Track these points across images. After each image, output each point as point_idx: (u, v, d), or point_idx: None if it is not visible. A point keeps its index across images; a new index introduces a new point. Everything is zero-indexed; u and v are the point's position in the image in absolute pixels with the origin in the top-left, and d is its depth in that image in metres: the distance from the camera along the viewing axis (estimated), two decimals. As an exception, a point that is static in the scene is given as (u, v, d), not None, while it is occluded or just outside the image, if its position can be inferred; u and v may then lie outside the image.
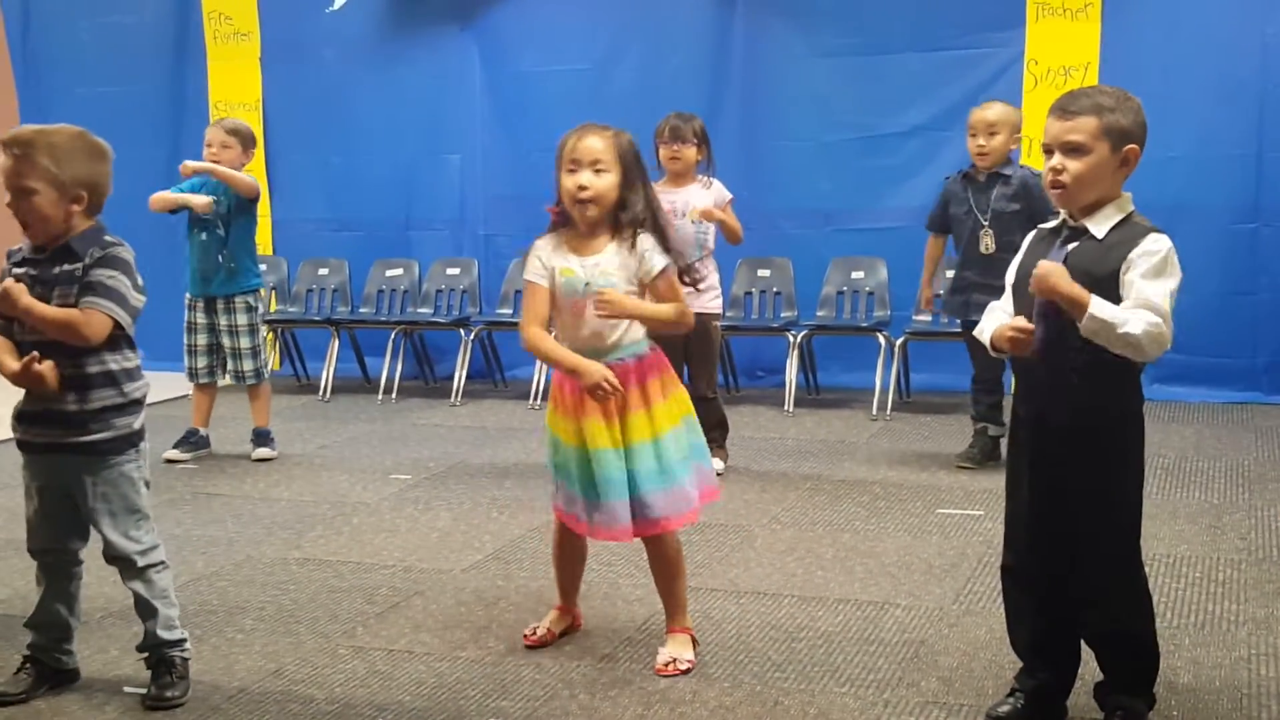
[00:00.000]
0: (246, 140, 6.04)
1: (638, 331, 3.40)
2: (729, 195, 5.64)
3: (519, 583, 4.19)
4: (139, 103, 8.57)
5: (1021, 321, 2.82)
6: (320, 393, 7.71)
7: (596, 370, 3.26)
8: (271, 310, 8.16)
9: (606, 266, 3.35)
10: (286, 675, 3.45)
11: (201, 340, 6.00)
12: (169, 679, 3.27)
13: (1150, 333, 2.69)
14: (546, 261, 3.41)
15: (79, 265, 3.14)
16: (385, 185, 8.30)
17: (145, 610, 3.28)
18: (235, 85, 8.49)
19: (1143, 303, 2.72)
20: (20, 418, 3.25)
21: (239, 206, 5.96)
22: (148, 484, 3.32)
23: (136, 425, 3.26)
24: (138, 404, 3.26)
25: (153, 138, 8.56)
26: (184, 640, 3.33)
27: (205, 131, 6.05)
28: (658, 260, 3.35)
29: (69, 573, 3.35)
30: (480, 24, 8.04)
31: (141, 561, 3.26)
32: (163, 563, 3.31)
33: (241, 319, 5.98)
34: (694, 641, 3.49)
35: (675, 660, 3.40)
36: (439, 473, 5.78)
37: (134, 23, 8.63)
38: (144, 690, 3.29)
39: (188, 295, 6.03)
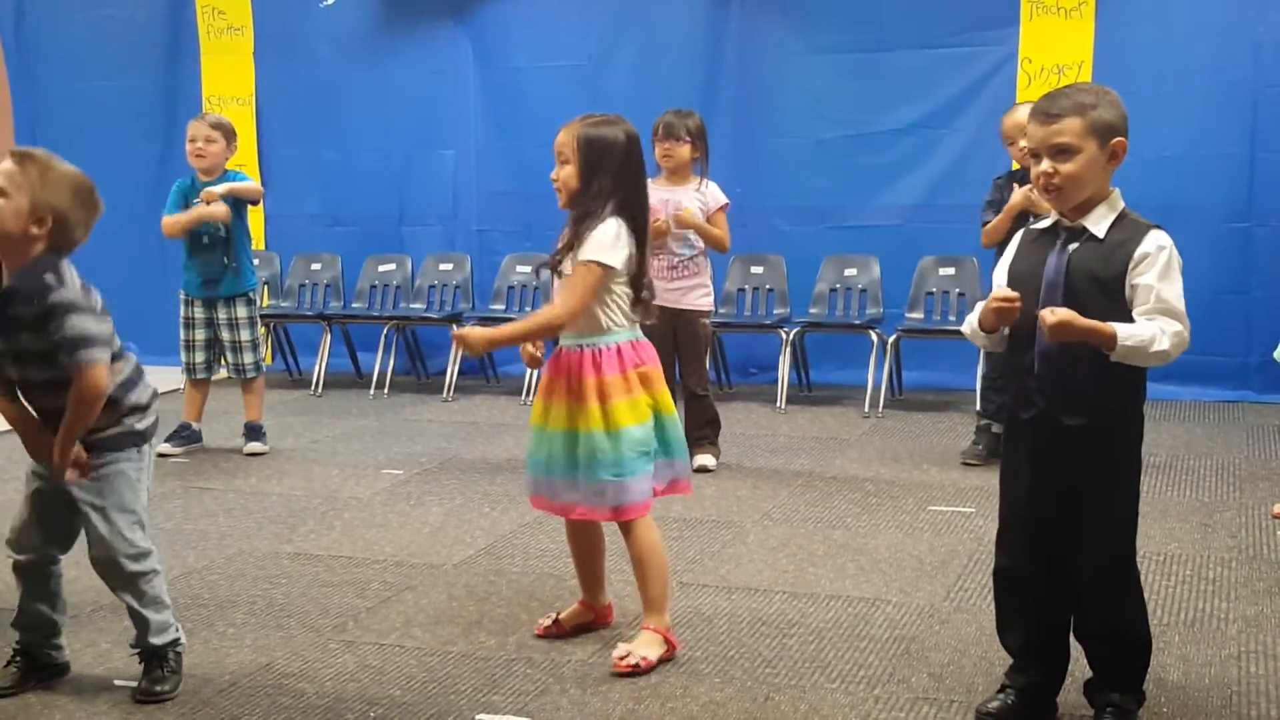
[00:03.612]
0: (230, 134, 6.01)
1: (594, 323, 3.38)
2: (723, 200, 5.57)
3: (510, 578, 4.19)
4: (132, 97, 8.56)
5: (1004, 290, 2.81)
6: (312, 388, 7.70)
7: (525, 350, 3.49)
8: (264, 305, 8.14)
9: (568, 249, 3.41)
10: (277, 669, 3.44)
11: (200, 335, 5.99)
12: (160, 673, 3.26)
13: (1176, 343, 2.73)
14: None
15: (29, 313, 3.06)
16: (378, 181, 8.29)
17: (137, 620, 3.26)
18: (229, 80, 8.48)
19: (1163, 309, 2.73)
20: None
21: (236, 208, 5.96)
22: (148, 490, 3.29)
23: (139, 426, 3.24)
24: (139, 408, 3.24)
25: (146, 132, 8.56)
26: (177, 640, 3.31)
27: (188, 126, 6.01)
28: (584, 252, 3.34)
29: (44, 572, 3.31)
30: (474, 19, 8.04)
31: (130, 566, 3.20)
32: (154, 570, 3.26)
33: (241, 312, 5.99)
34: (668, 644, 3.44)
35: (629, 655, 3.36)
36: (431, 468, 5.78)
37: (127, 17, 8.60)
38: (135, 683, 3.28)
39: (183, 293, 6.02)
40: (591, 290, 3.33)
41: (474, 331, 3.37)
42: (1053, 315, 2.71)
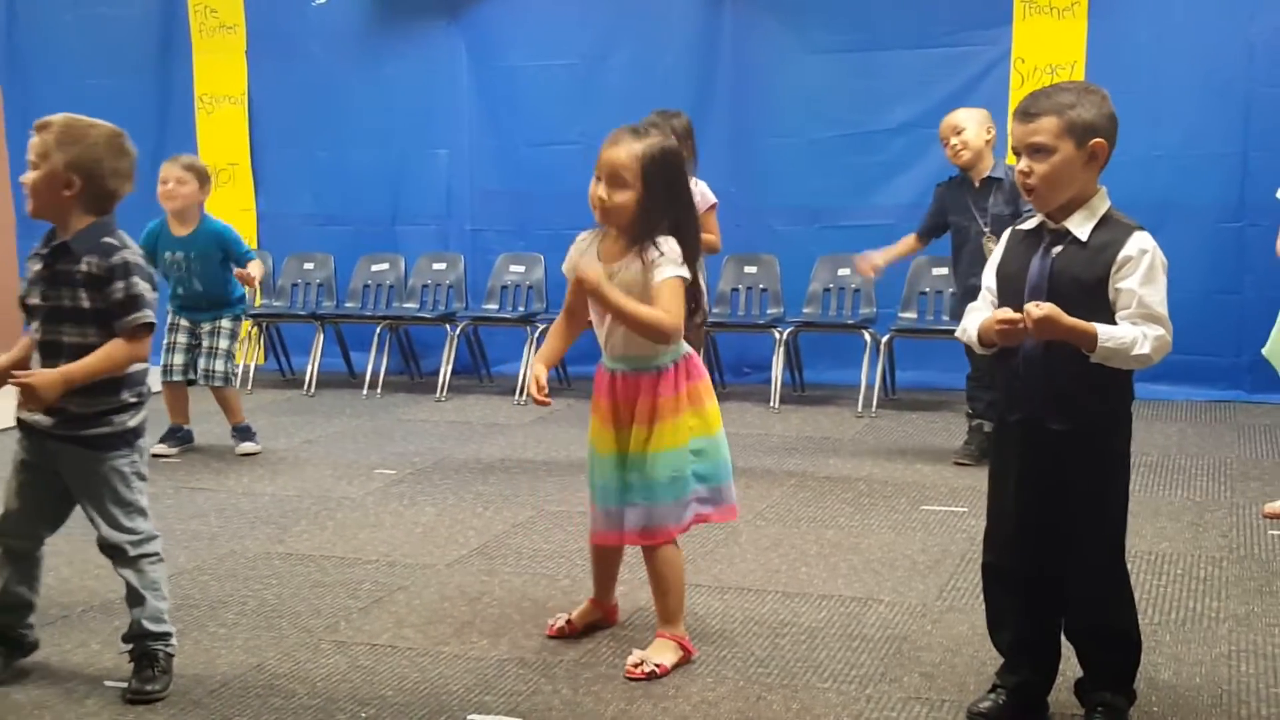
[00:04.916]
0: (202, 176, 5.92)
1: (654, 347, 3.32)
2: (711, 200, 5.47)
3: (503, 578, 4.19)
4: (124, 96, 8.52)
5: (1007, 312, 2.80)
6: (305, 387, 7.69)
7: (532, 373, 3.36)
8: (257, 304, 8.14)
9: (629, 279, 3.29)
10: (268, 669, 3.44)
11: (182, 339, 5.98)
12: (150, 672, 3.26)
13: (1158, 348, 2.73)
14: (575, 260, 3.42)
15: (77, 269, 3.14)
16: (372, 180, 8.28)
17: (134, 599, 3.27)
18: (221, 78, 8.47)
19: (1145, 313, 2.73)
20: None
21: (226, 260, 5.92)
22: (143, 477, 3.31)
23: (131, 423, 3.25)
24: (136, 405, 3.26)
25: (138, 130, 8.35)
26: (169, 635, 3.31)
27: (160, 168, 5.89)
28: (666, 270, 3.26)
29: (32, 558, 3.36)
30: (468, 18, 8.03)
31: (133, 551, 3.25)
32: (157, 554, 3.30)
33: (225, 322, 6.00)
34: (684, 650, 3.42)
35: (643, 662, 3.34)
36: (424, 468, 5.77)
37: (120, 15, 8.60)
38: (125, 684, 3.27)
39: (169, 305, 6.01)
40: (683, 305, 3.28)
41: (598, 277, 3.20)
42: (1037, 309, 2.71)
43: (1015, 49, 7.12)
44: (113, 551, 3.27)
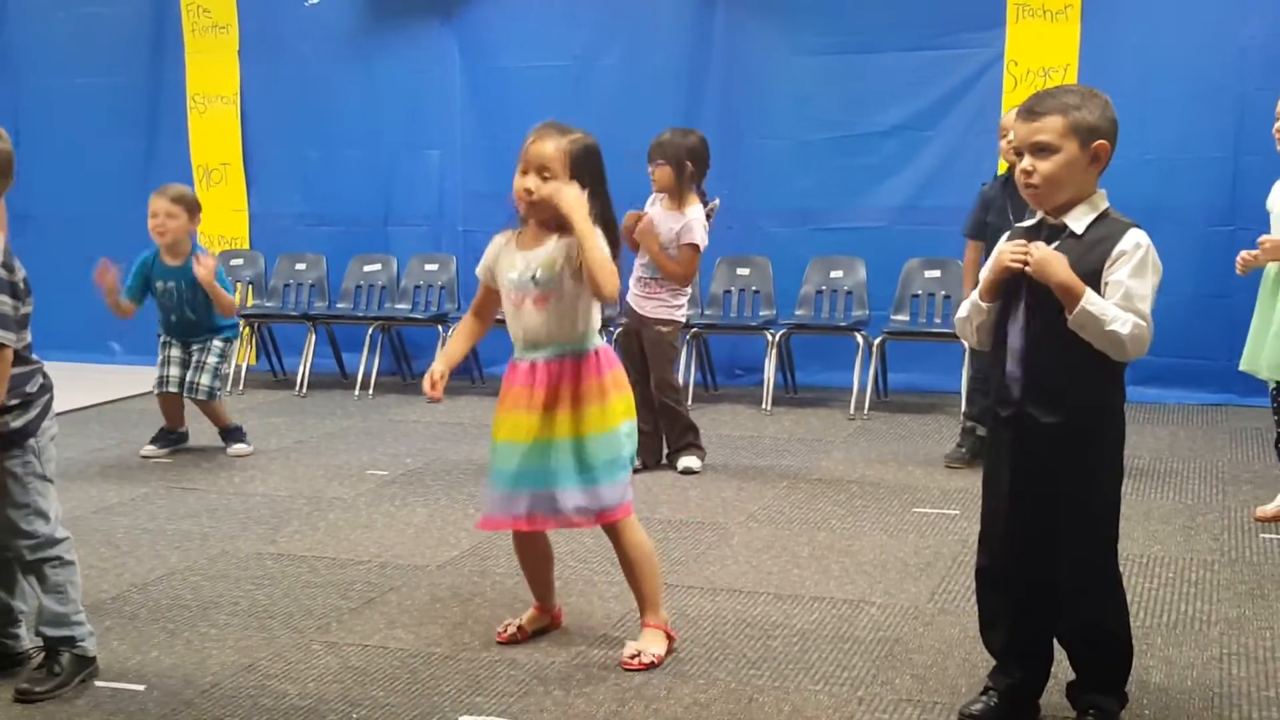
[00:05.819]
0: (192, 207, 5.89)
1: (576, 330, 3.37)
2: (694, 239, 5.40)
3: (494, 579, 4.18)
4: (116, 94, 8.54)
5: (1020, 243, 2.82)
6: (297, 388, 7.68)
7: (431, 370, 3.41)
8: (248, 305, 8.14)
9: (550, 258, 3.34)
10: (259, 670, 3.43)
11: (175, 353, 5.98)
12: (44, 672, 3.24)
13: (1135, 335, 2.73)
14: (492, 259, 3.51)
15: None
16: (364, 180, 8.27)
17: (39, 607, 3.26)
18: (213, 78, 8.45)
19: (1128, 304, 2.74)
20: None
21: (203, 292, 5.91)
22: (44, 478, 3.24)
23: (15, 424, 3.16)
24: (19, 407, 3.17)
25: (130, 129, 8.55)
26: (74, 639, 3.27)
27: (149, 200, 5.85)
28: (604, 250, 3.32)
29: (2, 559, 3.31)
30: (460, 19, 8.02)
31: (30, 555, 3.21)
32: (59, 558, 3.24)
33: (217, 342, 5.98)
34: (669, 638, 3.47)
35: (640, 654, 3.38)
36: (415, 469, 5.76)
37: (112, 14, 8.58)
38: (110, 684, 3.26)
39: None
40: (615, 274, 3.30)
41: (576, 195, 3.26)
42: (1043, 249, 2.75)
43: (1008, 52, 7.13)
44: (15, 554, 3.22)
